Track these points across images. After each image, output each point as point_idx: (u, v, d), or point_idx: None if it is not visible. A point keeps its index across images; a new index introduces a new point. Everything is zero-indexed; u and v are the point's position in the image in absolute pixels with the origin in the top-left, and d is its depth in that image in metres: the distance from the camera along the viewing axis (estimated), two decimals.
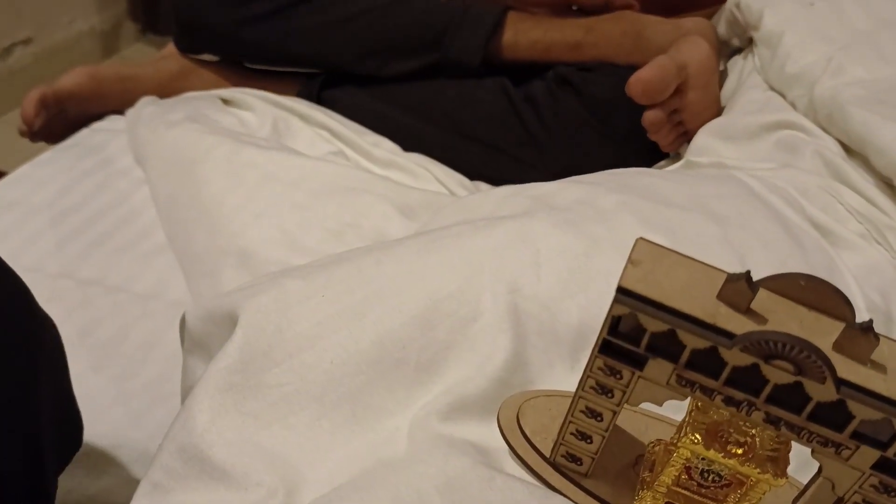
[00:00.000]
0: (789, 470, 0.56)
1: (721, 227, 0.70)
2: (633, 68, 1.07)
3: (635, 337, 0.46)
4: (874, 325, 0.68)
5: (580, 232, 0.66)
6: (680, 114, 1.08)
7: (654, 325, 0.44)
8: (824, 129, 0.92)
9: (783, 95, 0.99)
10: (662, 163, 1.12)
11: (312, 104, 1.16)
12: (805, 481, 0.53)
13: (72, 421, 0.69)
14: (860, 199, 0.85)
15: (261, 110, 1.11)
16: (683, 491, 0.53)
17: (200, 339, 0.65)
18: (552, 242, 0.65)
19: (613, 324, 0.46)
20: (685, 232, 0.68)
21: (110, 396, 0.88)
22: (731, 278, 0.44)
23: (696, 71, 1.06)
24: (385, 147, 1.10)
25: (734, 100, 1.06)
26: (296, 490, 0.54)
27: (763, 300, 0.45)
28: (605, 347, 0.47)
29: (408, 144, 1.13)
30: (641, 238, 0.47)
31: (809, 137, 0.92)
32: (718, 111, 1.09)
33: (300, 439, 0.56)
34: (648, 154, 1.11)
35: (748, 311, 0.45)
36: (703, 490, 0.53)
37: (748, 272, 0.44)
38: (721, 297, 0.45)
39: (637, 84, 1.03)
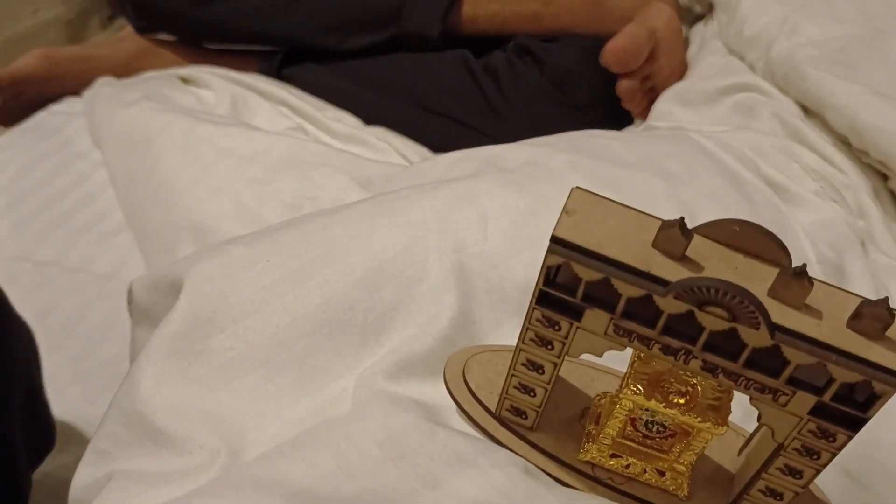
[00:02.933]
0: (739, 421, 0.57)
1: (670, 184, 0.69)
2: (595, 38, 1.07)
3: (571, 287, 0.46)
4: (826, 278, 0.69)
5: (527, 191, 0.66)
6: (651, 80, 1.08)
7: (588, 274, 0.44)
8: (782, 91, 0.92)
9: (742, 59, 0.99)
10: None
11: (272, 80, 1.15)
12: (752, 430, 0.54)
13: (45, 421, 0.70)
14: (817, 158, 0.85)
15: (219, 88, 1.10)
16: (629, 442, 0.53)
17: (147, 310, 0.64)
18: (498, 202, 0.65)
19: (549, 274, 0.46)
20: (633, 189, 0.68)
21: (69, 375, 0.87)
22: (665, 225, 0.44)
23: (665, 36, 1.06)
24: (346, 122, 1.09)
25: (694, 65, 1.06)
26: (240, 452, 0.53)
27: (698, 247, 0.45)
28: (542, 299, 0.47)
29: (369, 119, 1.12)
30: (577, 187, 0.47)
31: (767, 99, 0.92)
32: (686, 75, 1.09)
33: (245, 403, 0.56)
34: (611, 123, 1.11)
35: (683, 259, 0.44)
36: (649, 441, 0.53)
37: (682, 219, 0.44)
38: (656, 244, 0.44)
39: (611, 53, 1.03)
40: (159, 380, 0.56)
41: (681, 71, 1.08)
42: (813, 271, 0.70)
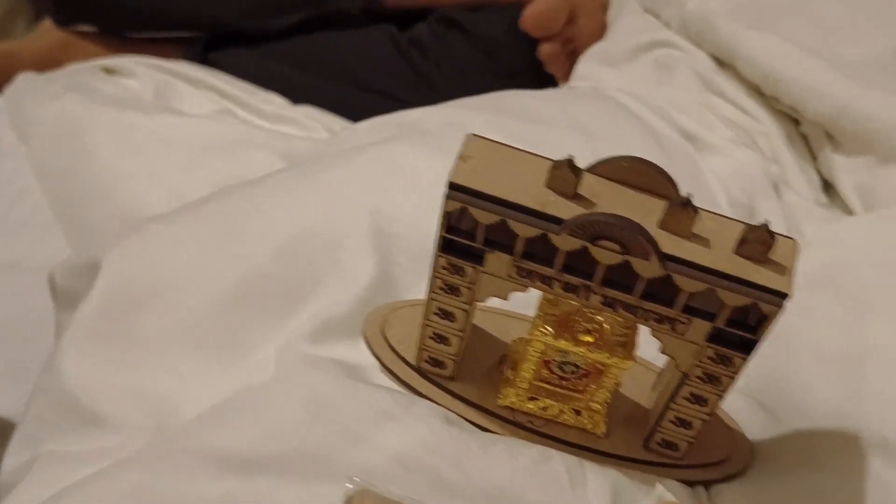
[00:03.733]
0: (654, 359, 0.58)
1: (587, 139, 0.71)
2: (519, 5, 1.09)
3: (472, 232, 0.47)
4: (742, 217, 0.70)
5: (445, 152, 0.66)
6: (572, 43, 1.09)
7: (486, 217, 0.45)
8: (696, 45, 0.94)
9: (657, 16, 1.01)
10: None
11: (198, 66, 1.14)
12: None
13: None
14: (732, 108, 0.87)
15: (143, 76, 1.09)
16: (545, 385, 0.55)
17: (69, 295, 0.65)
18: (416, 164, 0.66)
19: (449, 221, 0.47)
20: (550, 144, 0.69)
21: (7, 371, 0.87)
22: (556, 165, 0.45)
23: None
24: (274, 103, 1.09)
25: (613, 26, 1.07)
26: (168, 425, 0.54)
27: (591, 185, 0.46)
28: (445, 246, 0.48)
29: (298, 99, 1.12)
30: (472, 134, 0.48)
31: (683, 54, 0.94)
32: (605, 36, 1.10)
33: (169, 378, 0.57)
34: (541, 88, 1.13)
35: (576, 197, 0.46)
36: (564, 382, 0.55)
37: (570, 157, 0.45)
38: (549, 185, 0.46)
39: (530, 19, 1.05)
40: (82, 360, 0.56)
41: (601, 32, 1.09)
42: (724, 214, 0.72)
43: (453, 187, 0.45)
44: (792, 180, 0.81)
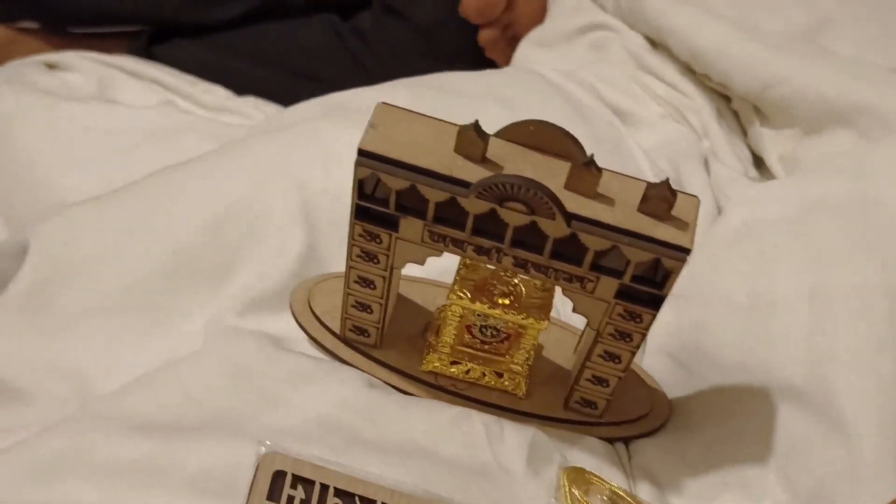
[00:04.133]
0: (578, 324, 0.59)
1: (508, 110, 0.72)
2: None
3: (385, 199, 0.48)
4: None
5: None
6: (512, 28, 1.10)
7: (396, 183, 0.46)
8: (630, 26, 0.95)
9: None
10: None
11: (141, 60, 1.14)
12: None
13: None
14: (663, 85, 0.89)
15: (86, 70, 1.08)
16: (467, 349, 0.56)
17: (1, 278, 0.65)
18: (342, 139, 0.66)
19: (362, 188, 0.48)
20: (472, 116, 0.70)
21: None
22: (462, 129, 0.46)
23: None
24: (218, 94, 1.09)
25: (551, 9, 1.09)
26: (88, 398, 0.54)
27: (499, 149, 0.47)
28: (360, 213, 0.49)
29: (242, 90, 1.12)
30: (381, 102, 0.49)
31: (616, 35, 0.95)
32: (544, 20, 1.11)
33: (95, 352, 0.57)
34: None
35: (483, 161, 0.47)
36: (486, 346, 0.56)
37: (476, 122, 0.46)
38: (457, 149, 0.47)
39: (470, 4, 1.05)
40: (6, 337, 0.56)
41: (541, 16, 1.10)
42: None
43: (362, 153, 0.46)
44: (722, 154, 0.82)
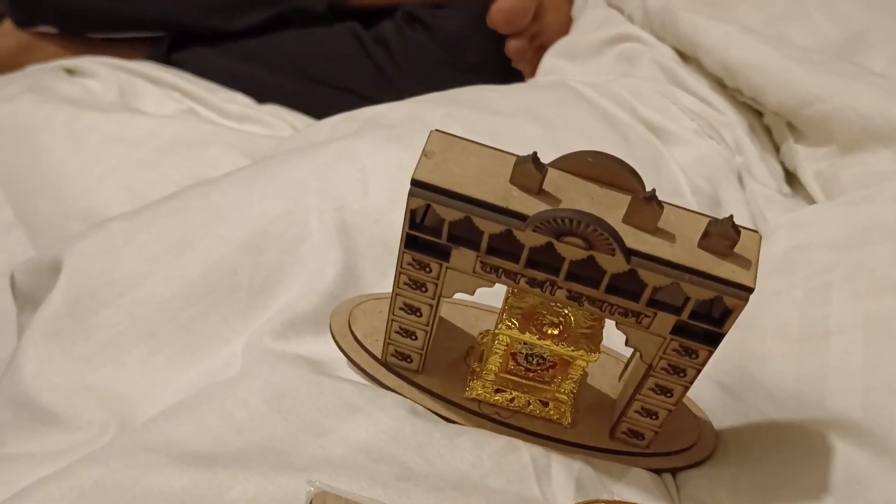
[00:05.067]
0: (622, 349, 0.58)
1: (546, 129, 0.71)
2: (483, 1, 1.09)
3: (437, 229, 0.47)
4: (700, 208, 0.71)
5: (406, 145, 0.67)
6: (539, 38, 1.09)
7: (450, 214, 0.45)
8: (659, 38, 0.94)
9: (620, 10, 1.01)
10: None
11: (161, 66, 1.13)
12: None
13: None
14: (695, 100, 0.88)
15: (106, 76, 1.07)
16: (512, 377, 0.55)
17: (30, 294, 0.64)
18: (378, 157, 0.65)
19: (413, 217, 0.47)
20: (510, 136, 0.70)
21: None
22: (519, 161, 0.45)
23: None
24: (239, 102, 1.08)
25: (578, 20, 1.08)
26: (129, 423, 0.53)
27: (556, 180, 0.46)
28: (410, 242, 0.48)
29: (263, 98, 1.11)
30: (435, 130, 0.48)
31: (646, 47, 0.94)
32: (570, 30, 1.10)
33: (133, 376, 0.56)
34: (502, 83, 1.13)
35: (540, 192, 0.46)
36: (531, 374, 0.55)
37: (534, 153, 0.45)
38: (513, 180, 0.45)
39: (499, 14, 1.05)
40: (43, 360, 0.55)
41: (567, 27, 1.10)
42: (688, 203, 0.73)
43: (416, 184, 0.45)
44: (755, 170, 0.82)
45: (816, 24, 0.87)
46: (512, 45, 1.08)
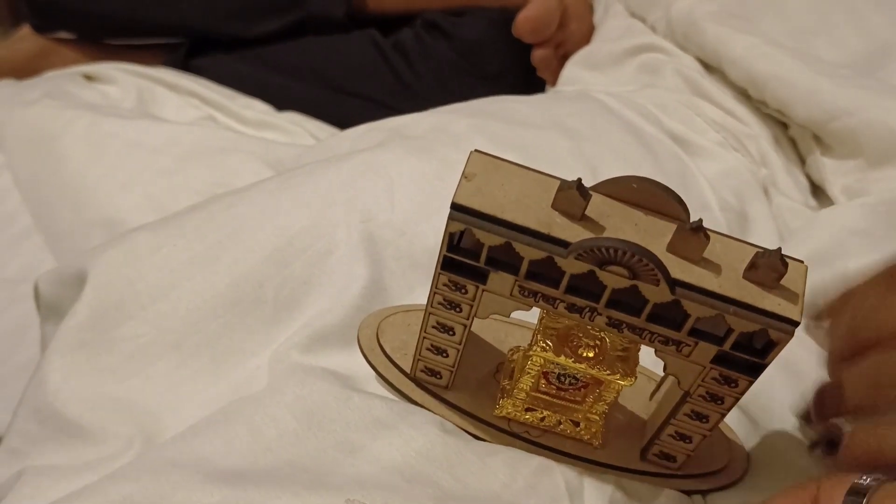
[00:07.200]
0: (650, 365, 0.58)
1: (574, 142, 0.70)
2: (503, 10, 1.08)
3: (475, 252, 0.46)
4: (728, 224, 0.70)
5: (433, 157, 0.66)
6: (564, 47, 1.09)
7: (490, 239, 0.44)
8: (682, 49, 0.93)
9: (643, 20, 1.01)
10: None
11: (179, 72, 1.12)
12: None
13: None
14: (719, 111, 0.87)
15: (124, 82, 1.07)
16: (543, 396, 0.54)
17: (55, 305, 0.63)
18: (404, 169, 0.65)
19: (452, 240, 0.46)
20: (538, 148, 0.69)
21: None
22: (563, 186, 0.44)
23: (573, 1, 1.07)
24: (257, 108, 1.08)
25: (599, 29, 1.07)
26: (156, 438, 0.53)
27: (599, 206, 0.45)
28: (447, 264, 0.47)
29: (281, 105, 1.11)
30: (476, 150, 0.47)
31: (669, 58, 0.93)
32: (591, 40, 1.10)
33: (159, 388, 0.56)
34: (521, 92, 1.12)
35: (583, 218, 0.45)
36: (562, 393, 0.54)
37: (579, 179, 0.44)
38: (555, 205, 0.45)
39: (525, 23, 1.04)
40: (68, 372, 0.55)
41: (590, 35, 1.09)
42: (715, 218, 0.72)
43: (456, 208, 0.44)
44: (781, 183, 0.81)
45: (843, 37, 0.86)
46: (538, 55, 1.07)
